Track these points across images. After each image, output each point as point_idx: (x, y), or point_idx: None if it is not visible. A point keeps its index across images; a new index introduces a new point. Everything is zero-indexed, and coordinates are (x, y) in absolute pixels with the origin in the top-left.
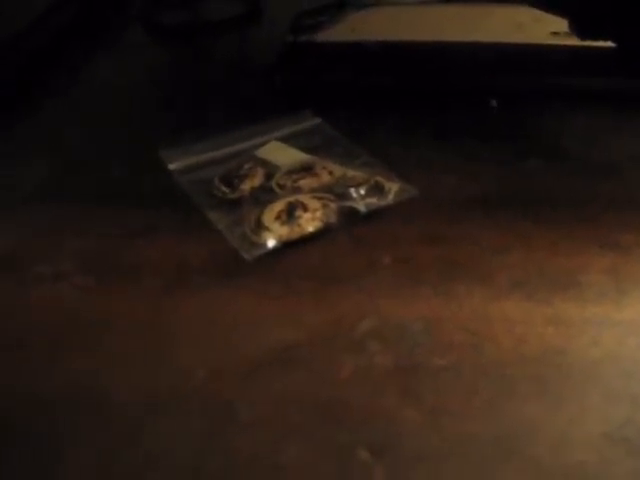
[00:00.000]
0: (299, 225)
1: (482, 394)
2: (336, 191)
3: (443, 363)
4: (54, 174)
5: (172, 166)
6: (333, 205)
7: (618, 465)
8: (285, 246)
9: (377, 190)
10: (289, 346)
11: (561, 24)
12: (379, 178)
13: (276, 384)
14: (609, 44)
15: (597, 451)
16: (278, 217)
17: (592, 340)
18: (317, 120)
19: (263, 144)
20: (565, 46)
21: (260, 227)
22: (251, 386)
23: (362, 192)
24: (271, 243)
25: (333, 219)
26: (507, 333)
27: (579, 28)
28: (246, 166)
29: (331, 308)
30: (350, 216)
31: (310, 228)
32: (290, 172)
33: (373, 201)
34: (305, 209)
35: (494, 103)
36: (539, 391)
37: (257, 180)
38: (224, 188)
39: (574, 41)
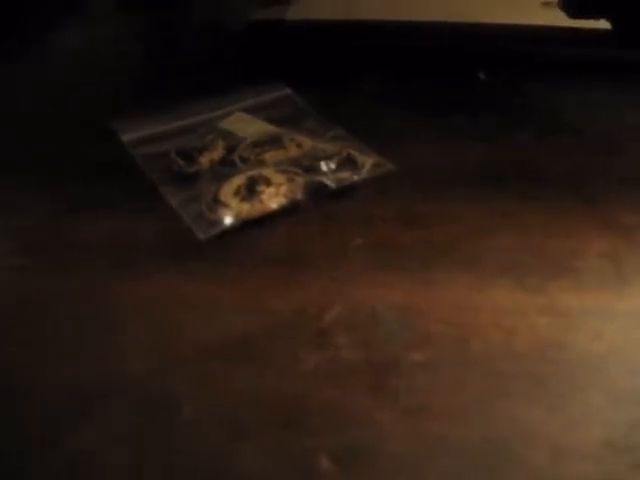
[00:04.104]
0: (261, 201)
1: (467, 393)
2: (303, 164)
3: (421, 358)
4: None
5: (125, 138)
6: (300, 180)
7: (622, 478)
8: (245, 225)
9: (349, 164)
10: (246, 337)
11: None
12: (352, 151)
13: (229, 380)
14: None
15: (599, 461)
16: (237, 192)
17: (592, 333)
18: (287, 91)
19: (227, 115)
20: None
21: (217, 203)
22: (200, 381)
23: (332, 166)
24: (228, 220)
25: (299, 195)
26: (495, 325)
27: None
28: (207, 138)
29: (295, 294)
30: (319, 192)
31: (273, 204)
32: (254, 144)
33: (345, 176)
34: (268, 183)
35: (482, 76)
36: (532, 391)
37: (218, 153)
38: (181, 161)
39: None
